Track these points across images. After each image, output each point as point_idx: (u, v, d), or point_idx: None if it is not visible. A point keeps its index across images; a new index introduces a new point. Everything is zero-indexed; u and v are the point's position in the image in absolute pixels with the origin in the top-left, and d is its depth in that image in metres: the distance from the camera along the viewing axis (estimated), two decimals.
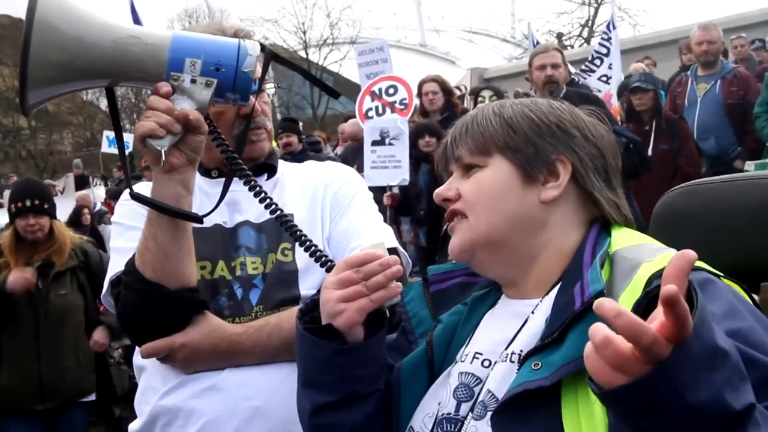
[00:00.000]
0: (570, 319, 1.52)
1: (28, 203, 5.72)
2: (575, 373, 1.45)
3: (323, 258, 2.05)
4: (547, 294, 1.68)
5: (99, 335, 5.89)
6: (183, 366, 2.25)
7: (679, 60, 11.48)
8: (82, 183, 17.90)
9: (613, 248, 1.66)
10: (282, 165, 2.60)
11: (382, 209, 8.76)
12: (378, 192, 8.28)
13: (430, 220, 8.27)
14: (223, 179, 2.29)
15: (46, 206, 5.80)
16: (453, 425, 1.67)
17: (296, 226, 2.11)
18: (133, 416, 2.44)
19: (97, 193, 15.81)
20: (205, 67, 2.00)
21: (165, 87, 2.00)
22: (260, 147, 2.48)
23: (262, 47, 2.14)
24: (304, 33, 39.20)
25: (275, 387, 2.22)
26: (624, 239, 1.69)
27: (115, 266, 2.33)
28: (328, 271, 1.96)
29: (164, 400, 2.28)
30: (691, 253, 1.21)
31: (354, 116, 10.58)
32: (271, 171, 2.54)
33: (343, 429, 1.81)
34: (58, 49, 1.91)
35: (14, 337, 5.63)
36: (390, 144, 8.37)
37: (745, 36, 11.77)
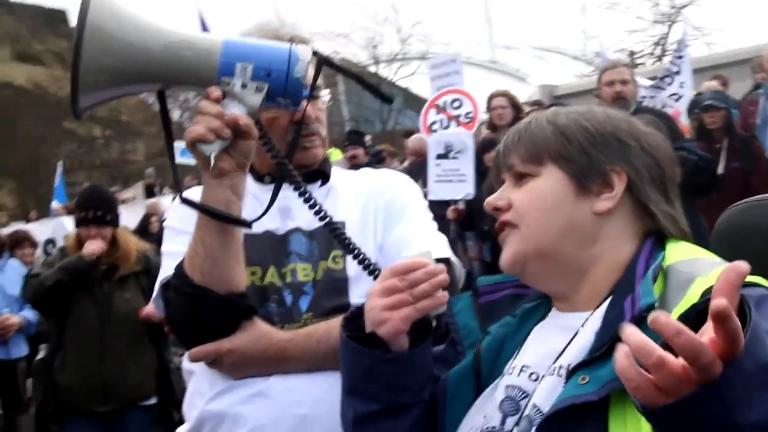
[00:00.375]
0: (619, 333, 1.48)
1: (90, 214, 5.86)
2: (623, 388, 1.40)
3: (371, 266, 2.03)
4: (598, 307, 1.64)
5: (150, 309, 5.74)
6: (230, 371, 2.24)
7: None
8: (151, 192, 18.15)
9: (668, 262, 1.60)
10: (335, 172, 2.59)
11: (446, 223, 8.75)
12: (442, 206, 8.24)
13: (495, 235, 8.18)
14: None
15: (108, 217, 5.92)
16: None
17: (344, 232, 2.09)
18: None
19: (166, 202, 16.00)
20: (255, 72, 1.98)
21: (215, 92, 1.99)
22: (313, 153, 2.47)
23: (314, 52, 2.13)
24: (375, 48, 39.31)
25: (323, 394, 2.19)
26: (679, 253, 1.63)
27: (166, 270, 2.34)
28: (375, 279, 1.93)
29: (211, 404, 2.27)
30: (742, 265, 1.16)
31: (415, 131, 10.52)
32: (324, 178, 2.53)
33: None
34: (109, 54, 1.92)
35: (78, 338, 5.73)
36: (454, 158, 8.33)
37: None
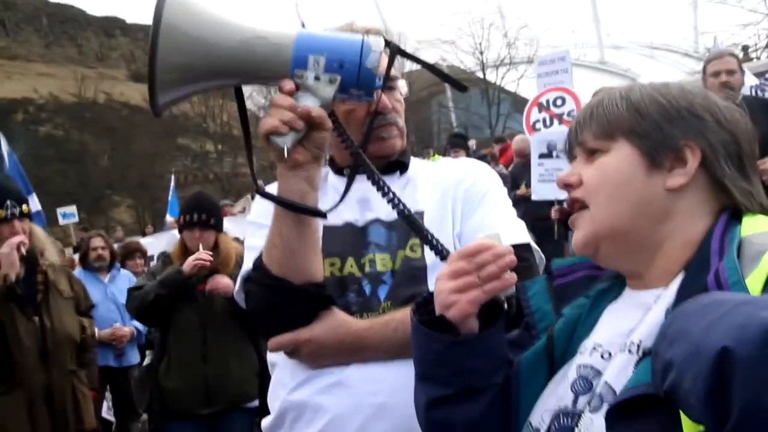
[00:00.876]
0: None
1: (195, 218, 6.01)
2: None
3: (443, 251, 2.02)
4: (670, 283, 1.59)
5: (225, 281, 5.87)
6: (309, 361, 2.27)
7: None
8: None
9: (743, 234, 1.55)
10: (415, 163, 2.60)
11: (550, 224, 8.59)
12: (546, 206, 8.16)
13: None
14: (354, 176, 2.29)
15: (212, 221, 6.04)
16: (570, 419, 1.61)
17: (416, 219, 2.09)
18: None
19: None
20: (328, 64, 2.00)
21: (288, 84, 2.01)
22: (391, 144, 2.48)
23: (387, 42, 2.13)
24: (482, 53, 39.23)
25: (400, 383, 2.18)
26: (754, 225, 1.57)
27: (248, 264, 2.37)
28: None
29: (292, 395, 2.31)
30: None
31: (507, 140, 10.39)
32: (403, 168, 2.54)
33: (459, 423, 1.77)
34: (185, 52, 1.95)
35: (182, 342, 5.85)
36: (557, 157, 8.22)
37: None
